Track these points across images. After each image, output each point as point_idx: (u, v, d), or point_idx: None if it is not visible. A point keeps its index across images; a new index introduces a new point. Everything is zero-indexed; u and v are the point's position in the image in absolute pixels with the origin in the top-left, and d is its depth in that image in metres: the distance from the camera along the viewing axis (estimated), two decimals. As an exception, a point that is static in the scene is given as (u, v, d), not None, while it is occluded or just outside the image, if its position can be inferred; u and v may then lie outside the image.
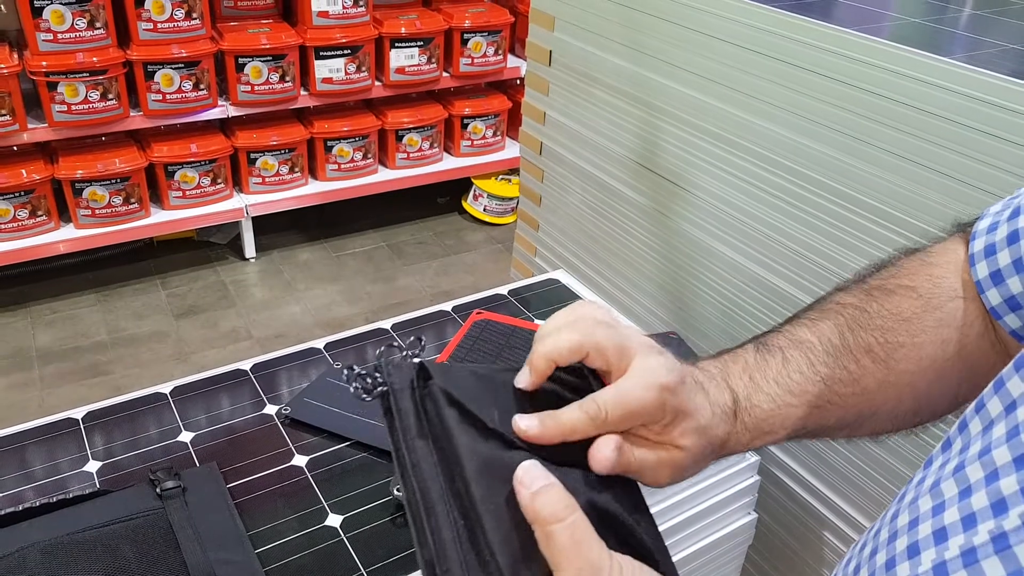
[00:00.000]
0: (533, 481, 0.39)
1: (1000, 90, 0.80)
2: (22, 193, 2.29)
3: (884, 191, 0.93)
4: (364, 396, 0.44)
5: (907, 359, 0.52)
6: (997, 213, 0.52)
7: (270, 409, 0.92)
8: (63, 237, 2.39)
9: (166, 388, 0.95)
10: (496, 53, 2.85)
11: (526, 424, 0.44)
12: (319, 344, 1.03)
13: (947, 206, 0.87)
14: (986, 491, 0.36)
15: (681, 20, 1.14)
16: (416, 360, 0.45)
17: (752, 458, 0.97)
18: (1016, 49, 0.94)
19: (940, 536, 0.36)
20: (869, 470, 1.02)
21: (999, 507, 0.35)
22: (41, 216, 2.35)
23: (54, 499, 0.75)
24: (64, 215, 2.42)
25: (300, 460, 0.85)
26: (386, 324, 1.08)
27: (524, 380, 0.46)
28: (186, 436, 0.88)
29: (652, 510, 0.47)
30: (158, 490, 0.77)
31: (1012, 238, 0.49)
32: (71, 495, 0.75)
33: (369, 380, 0.44)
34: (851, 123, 0.95)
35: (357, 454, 0.86)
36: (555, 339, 0.46)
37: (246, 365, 0.99)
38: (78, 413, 0.90)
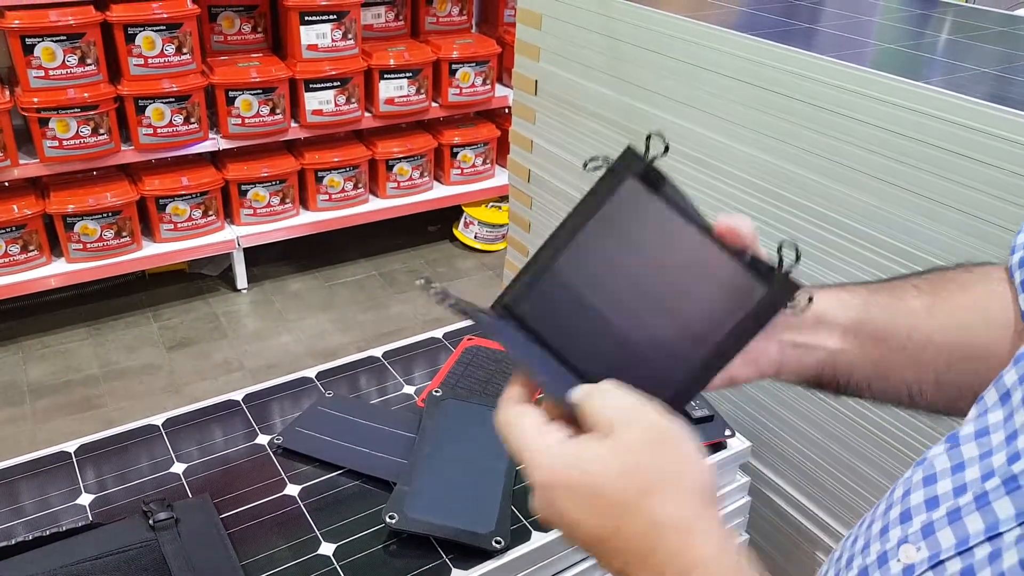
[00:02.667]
0: None
1: (975, 114, 0.82)
2: (13, 228, 2.29)
3: (865, 213, 0.95)
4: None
5: (952, 298, 0.55)
6: None
7: (262, 439, 0.93)
8: (54, 271, 2.39)
9: (158, 420, 0.95)
10: (484, 83, 2.89)
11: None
12: (311, 373, 1.04)
13: (926, 227, 0.89)
14: (979, 465, 0.40)
15: (664, 49, 1.17)
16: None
17: (743, 479, 0.98)
18: (990, 73, 0.96)
19: (932, 504, 0.41)
20: (861, 491, 1.02)
21: (988, 476, 0.39)
22: (33, 251, 2.35)
23: (47, 532, 0.75)
24: (56, 249, 2.42)
25: (293, 489, 0.85)
26: (378, 352, 1.08)
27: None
28: (179, 468, 0.88)
29: None
30: (151, 522, 0.77)
31: None
32: (64, 528, 0.75)
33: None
34: (831, 148, 0.97)
35: (350, 482, 0.86)
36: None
37: (238, 395, 0.99)
38: (70, 446, 0.91)
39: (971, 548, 0.38)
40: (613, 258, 0.53)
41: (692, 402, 0.95)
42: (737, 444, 0.95)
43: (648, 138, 0.52)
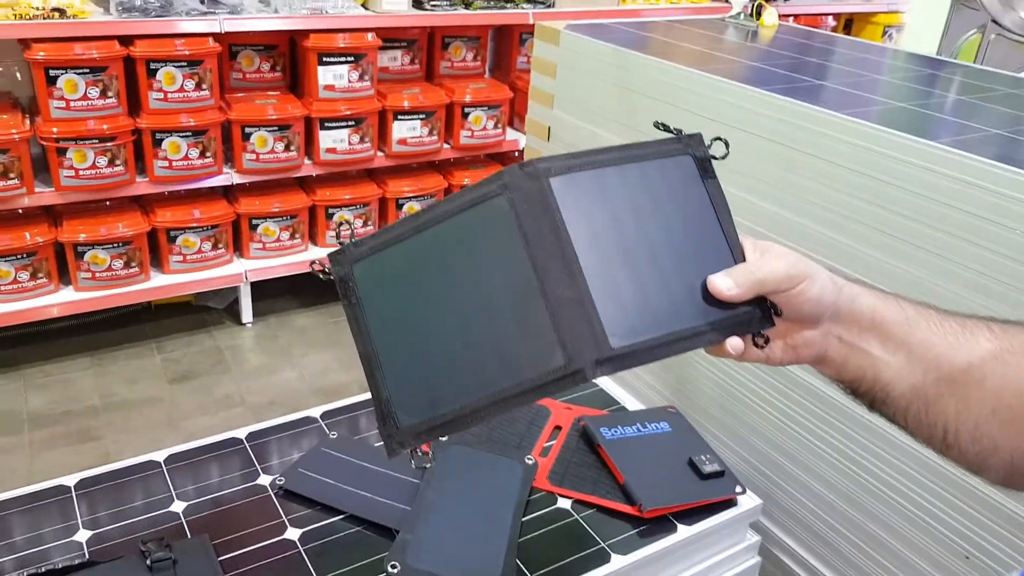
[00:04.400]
0: None
1: (985, 173, 0.83)
2: (24, 255, 2.30)
3: (872, 267, 0.94)
4: None
5: (1021, 350, 0.54)
6: None
7: (264, 480, 0.91)
8: (61, 300, 2.40)
9: (160, 456, 0.94)
10: (496, 126, 2.92)
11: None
12: (315, 413, 1.03)
13: (933, 282, 0.89)
14: None
15: (676, 101, 1.18)
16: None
17: (753, 538, 0.96)
18: (999, 134, 0.97)
19: None
20: (874, 553, 1.00)
21: None
22: (42, 278, 2.36)
23: (42, 570, 0.73)
24: (64, 277, 2.43)
25: (293, 533, 0.84)
26: (383, 394, 1.07)
27: (728, 289, 0.54)
28: (178, 506, 0.87)
29: None
30: (148, 562, 0.75)
31: None
32: (59, 566, 0.74)
33: None
34: (841, 202, 0.97)
35: (351, 528, 0.85)
36: (771, 266, 0.55)
37: (241, 433, 0.98)
38: (70, 480, 0.90)
39: None
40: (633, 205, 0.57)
41: (703, 456, 0.94)
42: (748, 502, 0.93)
43: (715, 139, 0.59)
